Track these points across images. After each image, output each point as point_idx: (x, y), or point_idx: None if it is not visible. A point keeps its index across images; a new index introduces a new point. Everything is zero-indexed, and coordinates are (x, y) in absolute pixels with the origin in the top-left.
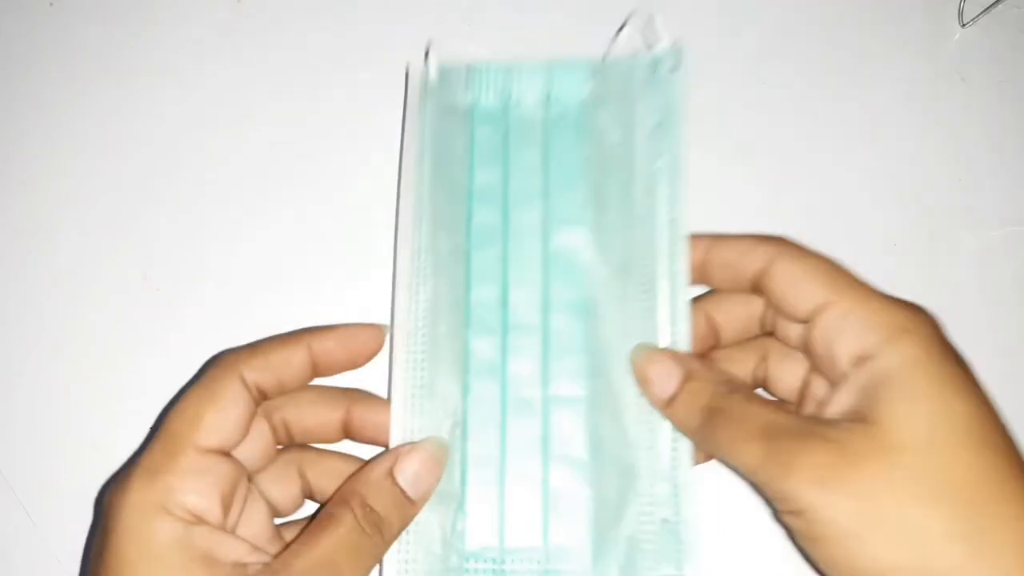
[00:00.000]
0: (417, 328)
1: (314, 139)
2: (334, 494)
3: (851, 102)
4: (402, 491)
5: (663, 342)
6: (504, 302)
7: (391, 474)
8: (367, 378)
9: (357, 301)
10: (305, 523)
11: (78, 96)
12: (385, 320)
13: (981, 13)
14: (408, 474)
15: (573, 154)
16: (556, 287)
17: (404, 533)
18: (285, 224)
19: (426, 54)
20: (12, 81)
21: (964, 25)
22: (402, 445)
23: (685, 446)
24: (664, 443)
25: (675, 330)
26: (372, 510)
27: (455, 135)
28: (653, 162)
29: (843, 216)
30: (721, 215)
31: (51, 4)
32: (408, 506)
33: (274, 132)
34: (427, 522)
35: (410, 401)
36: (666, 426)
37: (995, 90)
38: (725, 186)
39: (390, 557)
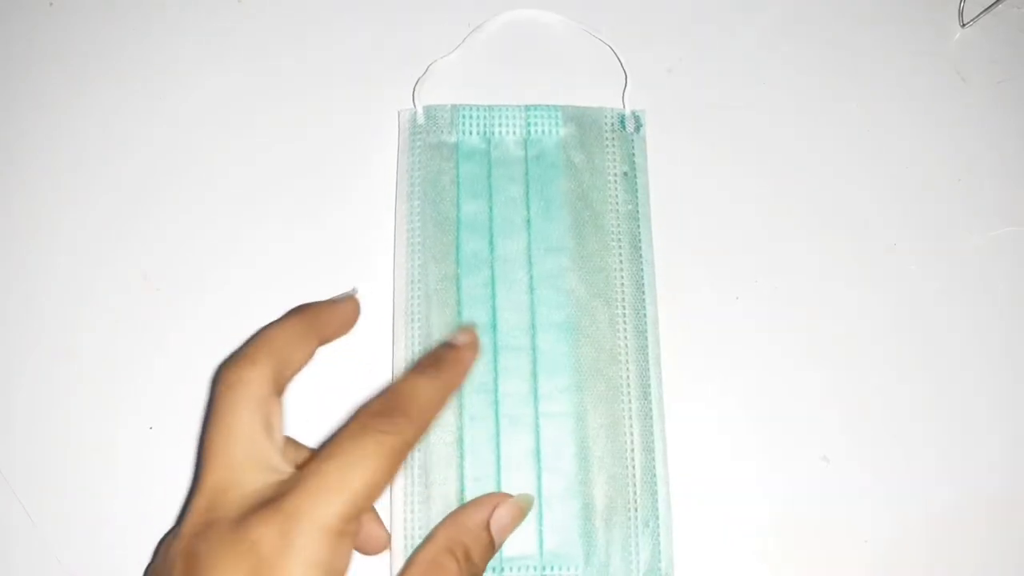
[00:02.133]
0: (413, 354)
1: (315, 139)
2: (433, 535)
3: (851, 102)
4: (493, 540)
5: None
6: (494, 325)
7: (488, 527)
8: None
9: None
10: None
11: (78, 96)
12: (381, 324)
13: (981, 13)
14: (499, 525)
15: (552, 188)
16: (542, 310)
17: (411, 548)
18: (285, 224)
19: (413, 97)
20: (12, 81)
21: (964, 25)
22: (496, 494)
23: (667, 456)
24: (647, 454)
25: (649, 353)
26: (473, 562)
27: (442, 171)
28: (623, 205)
29: (843, 216)
30: (722, 214)
31: (51, 4)
32: (492, 553)
33: (275, 132)
34: None
35: None
36: (649, 438)
37: (995, 90)
38: (726, 185)
39: (396, 570)
